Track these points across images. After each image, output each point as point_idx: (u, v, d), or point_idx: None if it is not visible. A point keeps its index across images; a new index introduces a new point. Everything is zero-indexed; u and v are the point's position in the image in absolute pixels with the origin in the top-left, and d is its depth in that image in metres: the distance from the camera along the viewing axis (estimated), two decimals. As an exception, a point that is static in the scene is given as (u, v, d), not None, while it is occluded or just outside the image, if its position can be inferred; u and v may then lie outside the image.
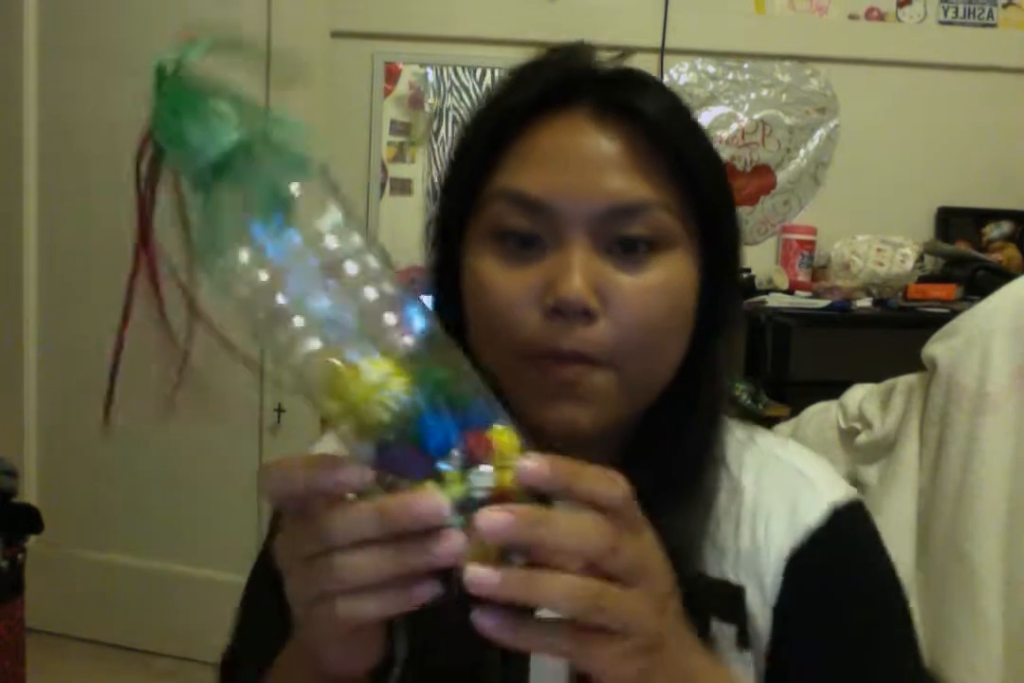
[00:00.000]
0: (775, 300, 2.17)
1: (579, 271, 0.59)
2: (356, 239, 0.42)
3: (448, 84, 2.45)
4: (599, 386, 0.61)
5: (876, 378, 1.52)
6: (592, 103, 0.63)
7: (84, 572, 2.37)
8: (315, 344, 0.41)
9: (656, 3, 2.44)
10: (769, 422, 1.74)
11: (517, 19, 2.42)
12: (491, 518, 0.41)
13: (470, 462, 0.41)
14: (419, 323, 0.42)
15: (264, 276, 0.40)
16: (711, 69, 2.51)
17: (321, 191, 0.41)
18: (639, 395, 0.64)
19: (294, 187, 0.40)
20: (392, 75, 2.46)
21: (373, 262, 0.42)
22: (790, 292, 2.29)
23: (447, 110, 2.46)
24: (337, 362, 0.40)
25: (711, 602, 0.63)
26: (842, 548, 0.66)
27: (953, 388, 1.33)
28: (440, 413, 0.41)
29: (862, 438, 1.45)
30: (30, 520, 1.89)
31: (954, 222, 2.53)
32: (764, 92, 2.53)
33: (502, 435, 0.42)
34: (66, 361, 2.32)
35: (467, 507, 0.41)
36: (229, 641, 0.73)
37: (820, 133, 2.54)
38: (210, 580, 2.25)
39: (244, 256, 0.40)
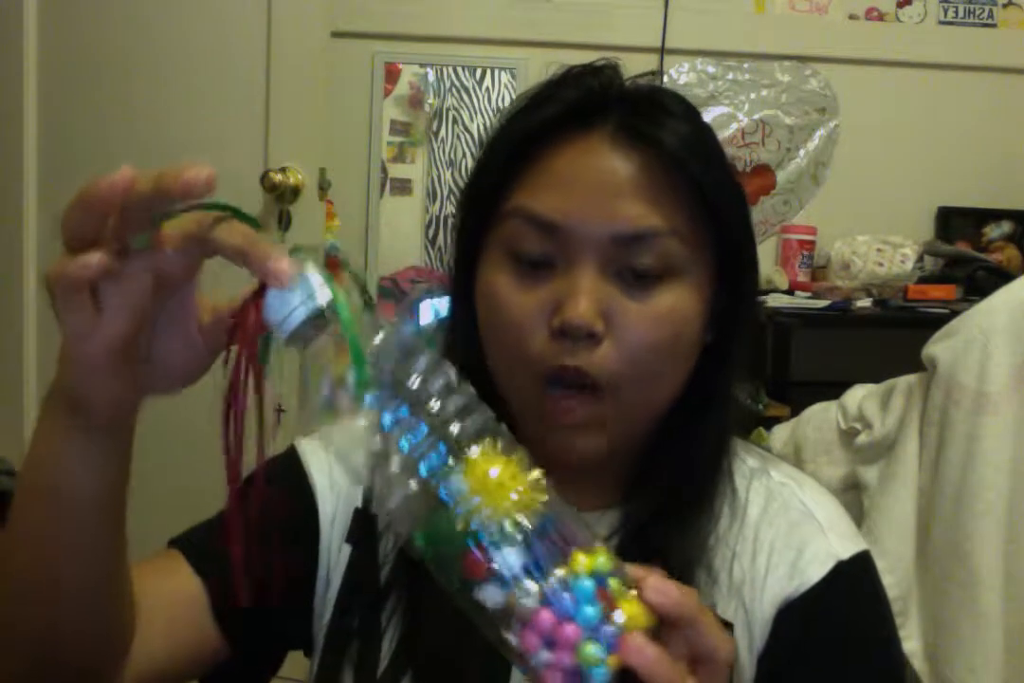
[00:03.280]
0: (775, 300, 2.16)
1: (586, 295, 0.59)
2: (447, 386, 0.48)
3: (448, 84, 2.45)
4: (599, 415, 0.62)
5: (876, 378, 1.51)
6: (611, 127, 0.62)
7: (84, 572, 2.37)
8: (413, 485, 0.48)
9: (656, 3, 2.43)
10: (769, 422, 1.74)
11: (517, 19, 2.41)
12: (666, 591, 0.43)
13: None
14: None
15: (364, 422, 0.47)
16: (711, 69, 2.50)
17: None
18: (638, 419, 0.65)
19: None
20: (392, 75, 2.45)
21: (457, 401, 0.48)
22: (790, 292, 2.28)
23: (447, 110, 2.46)
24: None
25: None
26: (838, 609, 0.65)
27: (953, 388, 1.33)
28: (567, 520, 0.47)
29: (862, 438, 1.45)
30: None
31: (954, 222, 2.52)
32: (764, 92, 2.52)
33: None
34: (66, 361, 2.32)
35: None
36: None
37: (820, 133, 2.53)
38: (210, 580, 2.25)
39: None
